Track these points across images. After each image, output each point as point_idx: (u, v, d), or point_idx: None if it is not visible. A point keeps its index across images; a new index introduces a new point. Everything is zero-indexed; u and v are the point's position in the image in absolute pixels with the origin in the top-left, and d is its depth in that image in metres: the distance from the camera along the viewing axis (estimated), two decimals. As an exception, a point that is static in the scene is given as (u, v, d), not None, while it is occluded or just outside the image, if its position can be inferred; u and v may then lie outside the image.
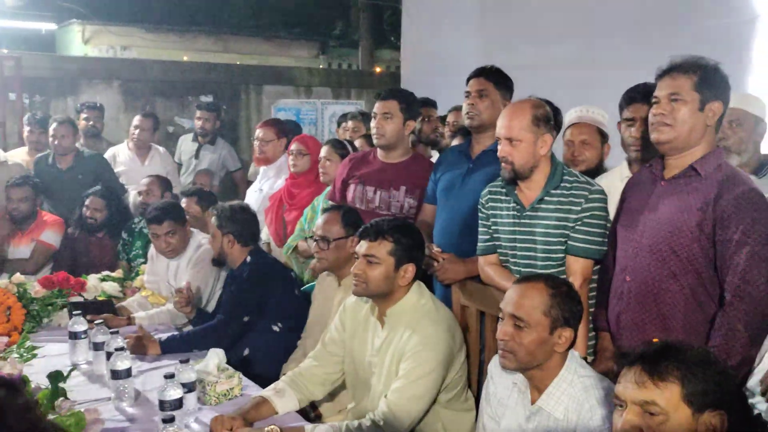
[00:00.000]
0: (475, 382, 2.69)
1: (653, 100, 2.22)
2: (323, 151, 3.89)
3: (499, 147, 2.51)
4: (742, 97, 2.88)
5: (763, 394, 1.88)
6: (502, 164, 2.50)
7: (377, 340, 2.47)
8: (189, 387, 2.36)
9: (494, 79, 2.98)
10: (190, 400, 2.36)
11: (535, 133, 2.45)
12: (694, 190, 2.13)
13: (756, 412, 1.96)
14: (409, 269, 2.42)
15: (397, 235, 2.41)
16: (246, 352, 3.14)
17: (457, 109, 4.31)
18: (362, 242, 2.46)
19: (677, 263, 2.14)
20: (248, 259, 3.26)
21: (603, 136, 3.15)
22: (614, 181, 2.71)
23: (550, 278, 2.08)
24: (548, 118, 2.49)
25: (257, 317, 3.16)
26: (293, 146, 4.06)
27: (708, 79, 2.13)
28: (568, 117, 3.21)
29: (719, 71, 2.15)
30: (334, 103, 7.18)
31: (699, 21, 4.12)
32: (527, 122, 2.45)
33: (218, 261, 3.42)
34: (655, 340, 1.66)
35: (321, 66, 11.11)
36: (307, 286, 3.51)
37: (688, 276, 2.13)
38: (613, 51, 4.58)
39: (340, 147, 3.88)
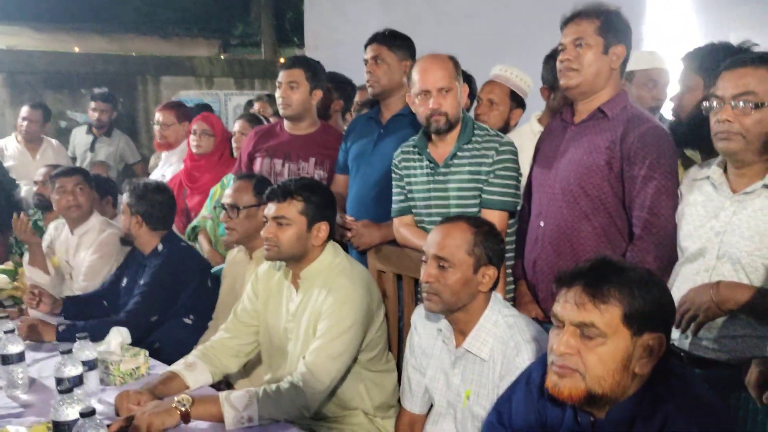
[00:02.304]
0: (396, 347, 2.64)
1: (559, 47, 2.25)
2: (237, 125, 3.77)
3: (430, 101, 2.43)
4: (657, 57, 2.96)
5: (677, 326, 1.92)
6: (435, 117, 2.43)
7: (292, 304, 2.37)
8: (89, 365, 2.18)
9: (388, 43, 2.93)
10: (92, 379, 2.19)
11: (459, 81, 2.46)
12: (602, 130, 2.17)
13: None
14: (323, 228, 2.33)
15: (307, 193, 2.32)
16: (156, 345, 2.93)
17: (362, 88, 4.27)
18: (270, 205, 2.35)
19: (588, 203, 2.17)
20: (160, 247, 2.98)
21: (518, 101, 3.17)
22: (524, 136, 2.73)
23: (472, 218, 2.07)
24: (460, 68, 2.50)
25: (168, 314, 2.93)
26: (196, 125, 3.87)
27: (610, 24, 2.17)
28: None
29: (621, 16, 2.20)
30: (238, 94, 6.96)
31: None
32: (452, 71, 2.45)
33: (127, 240, 3.18)
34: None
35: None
36: (216, 268, 3.34)
37: (599, 215, 2.16)
38: (516, 32, 4.66)
39: (255, 121, 3.75)
